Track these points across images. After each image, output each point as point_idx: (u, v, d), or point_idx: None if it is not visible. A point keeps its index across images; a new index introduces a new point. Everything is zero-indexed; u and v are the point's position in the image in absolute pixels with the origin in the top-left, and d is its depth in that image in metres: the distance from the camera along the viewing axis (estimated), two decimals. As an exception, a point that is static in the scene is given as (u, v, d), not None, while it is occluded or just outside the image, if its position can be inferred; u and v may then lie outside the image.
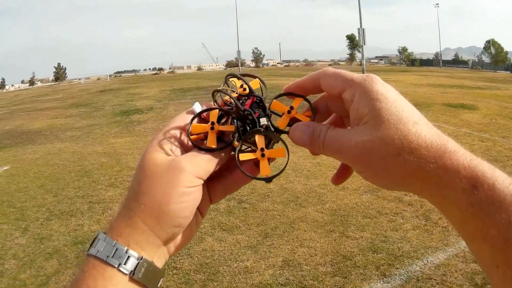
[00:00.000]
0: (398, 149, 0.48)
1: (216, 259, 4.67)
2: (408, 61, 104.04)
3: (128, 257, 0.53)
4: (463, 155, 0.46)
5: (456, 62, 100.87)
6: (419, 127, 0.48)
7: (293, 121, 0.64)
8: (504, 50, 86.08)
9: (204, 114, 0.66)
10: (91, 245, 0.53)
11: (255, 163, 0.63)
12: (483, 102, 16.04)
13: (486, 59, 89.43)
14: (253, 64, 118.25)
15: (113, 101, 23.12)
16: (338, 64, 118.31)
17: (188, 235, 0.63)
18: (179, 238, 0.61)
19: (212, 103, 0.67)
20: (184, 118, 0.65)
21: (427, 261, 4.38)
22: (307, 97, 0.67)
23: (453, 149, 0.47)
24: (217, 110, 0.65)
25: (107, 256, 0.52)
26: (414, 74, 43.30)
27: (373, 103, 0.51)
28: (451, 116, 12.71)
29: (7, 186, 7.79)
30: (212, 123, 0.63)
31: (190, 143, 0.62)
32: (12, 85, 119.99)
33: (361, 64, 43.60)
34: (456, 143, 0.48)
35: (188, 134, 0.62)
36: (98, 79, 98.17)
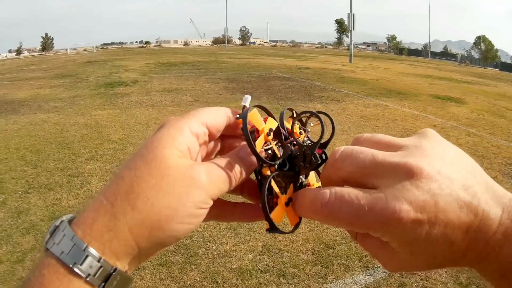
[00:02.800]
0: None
1: (195, 240, 4.60)
2: (396, 49, 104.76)
3: (100, 267, 0.41)
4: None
5: (445, 54, 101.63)
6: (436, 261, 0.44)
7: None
8: (494, 48, 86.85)
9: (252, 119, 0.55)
10: (51, 235, 0.42)
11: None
12: (471, 97, 16.16)
13: (475, 54, 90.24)
14: (240, 42, 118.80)
15: (98, 72, 23.00)
16: (325, 47, 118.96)
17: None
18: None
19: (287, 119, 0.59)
20: (215, 113, 0.53)
21: (411, 254, 4.31)
22: None
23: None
24: (276, 123, 0.57)
25: (75, 263, 0.40)
26: (402, 63, 43.66)
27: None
28: (438, 108, 12.77)
29: (-13, 157, 7.66)
30: (271, 129, 0.54)
31: (207, 149, 0.55)
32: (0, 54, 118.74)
33: (348, 49, 43.75)
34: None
35: (246, 113, 0.52)
36: (85, 50, 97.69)
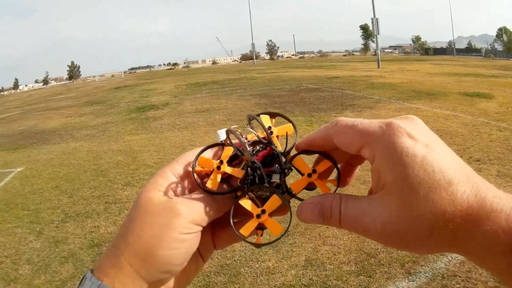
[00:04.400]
0: (432, 226, 0.42)
1: (237, 259, 4.57)
2: (422, 50, 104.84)
3: None
4: (501, 213, 0.40)
5: (469, 50, 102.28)
6: (454, 188, 0.41)
7: (311, 186, 0.58)
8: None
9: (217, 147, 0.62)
10: (80, 283, 0.50)
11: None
12: (498, 91, 16.11)
13: (499, 47, 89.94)
14: (267, 57, 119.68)
15: (128, 97, 23.48)
16: (353, 54, 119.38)
17: (184, 279, 0.59)
18: (172, 283, 0.57)
19: (242, 134, 0.60)
20: (194, 154, 0.60)
21: (452, 257, 4.26)
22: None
23: (492, 207, 0.40)
24: (231, 148, 0.60)
25: None
26: (429, 63, 43.64)
27: (397, 169, 0.43)
28: (468, 106, 12.71)
29: (21, 188, 7.78)
30: (221, 161, 0.58)
31: (195, 183, 0.58)
32: (26, 85, 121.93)
33: (375, 54, 43.68)
34: (494, 193, 0.42)
35: (193, 166, 0.58)
36: (113, 76, 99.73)
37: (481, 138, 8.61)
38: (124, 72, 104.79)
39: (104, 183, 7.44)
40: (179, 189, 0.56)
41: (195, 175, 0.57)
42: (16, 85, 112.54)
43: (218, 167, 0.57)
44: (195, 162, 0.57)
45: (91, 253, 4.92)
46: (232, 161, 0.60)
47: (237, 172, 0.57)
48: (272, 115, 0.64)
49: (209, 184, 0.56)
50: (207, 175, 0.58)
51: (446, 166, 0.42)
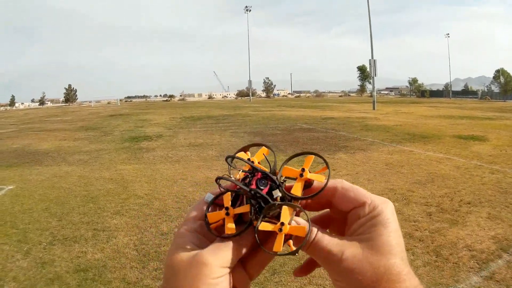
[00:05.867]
0: (379, 278, 0.53)
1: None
2: (418, 92, 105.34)
3: None
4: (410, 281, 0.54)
5: (466, 92, 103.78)
6: (402, 263, 0.55)
7: (308, 182, 0.64)
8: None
9: (219, 199, 0.65)
10: None
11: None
12: (493, 133, 16.53)
13: (495, 88, 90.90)
14: (263, 94, 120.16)
15: (122, 126, 23.63)
16: (349, 95, 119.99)
17: None
18: None
19: (221, 188, 0.65)
20: (200, 208, 0.65)
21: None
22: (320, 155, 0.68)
23: (405, 277, 0.54)
24: (229, 192, 0.64)
25: None
26: (425, 105, 44.32)
27: (380, 227, 0.57)
28: (462, 149, 12.96)
29: (11, 206, 7.78)
30: (226, 208, 0.62)
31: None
32: (22, 103, 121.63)
33: (371, 96, 44.05)
34: (408, 270, 0.55)
35: (207, 225, 0.62)
36: (109, 103, 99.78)
37: (473, 181, 8.71)
38: (120, 100, 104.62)
39: (93, 210, 7.43)
40: (198, 242, 0.60)
41: (211, 230, 0.61)
42: (12, 102, 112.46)
43: (227, 214, 0.61)
44: (206, 221, 0.62)
45: (77, 277, 4.89)
46: (235, 203, 0.63)
47: (244, 208, 0.61)
48: (245, 149, 0.71)
49: (228, 231, 0.60)
50: (222, 225, 0.61)
51: (402, 246, 0.57)
